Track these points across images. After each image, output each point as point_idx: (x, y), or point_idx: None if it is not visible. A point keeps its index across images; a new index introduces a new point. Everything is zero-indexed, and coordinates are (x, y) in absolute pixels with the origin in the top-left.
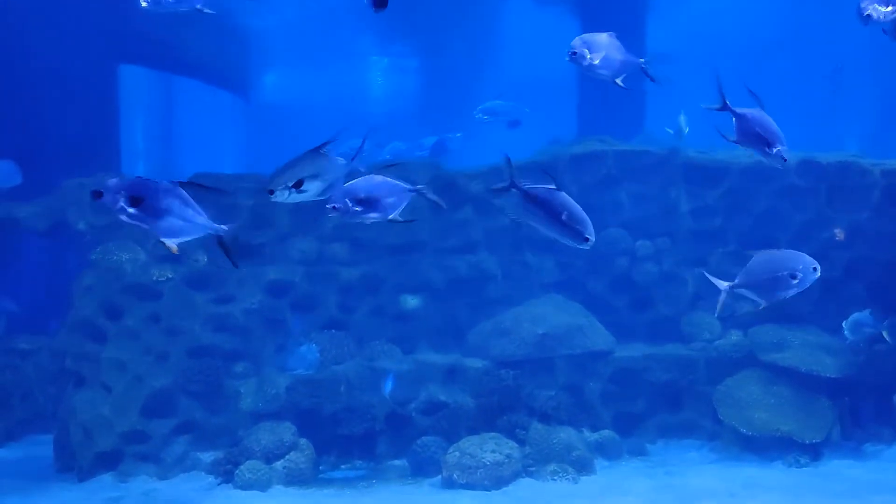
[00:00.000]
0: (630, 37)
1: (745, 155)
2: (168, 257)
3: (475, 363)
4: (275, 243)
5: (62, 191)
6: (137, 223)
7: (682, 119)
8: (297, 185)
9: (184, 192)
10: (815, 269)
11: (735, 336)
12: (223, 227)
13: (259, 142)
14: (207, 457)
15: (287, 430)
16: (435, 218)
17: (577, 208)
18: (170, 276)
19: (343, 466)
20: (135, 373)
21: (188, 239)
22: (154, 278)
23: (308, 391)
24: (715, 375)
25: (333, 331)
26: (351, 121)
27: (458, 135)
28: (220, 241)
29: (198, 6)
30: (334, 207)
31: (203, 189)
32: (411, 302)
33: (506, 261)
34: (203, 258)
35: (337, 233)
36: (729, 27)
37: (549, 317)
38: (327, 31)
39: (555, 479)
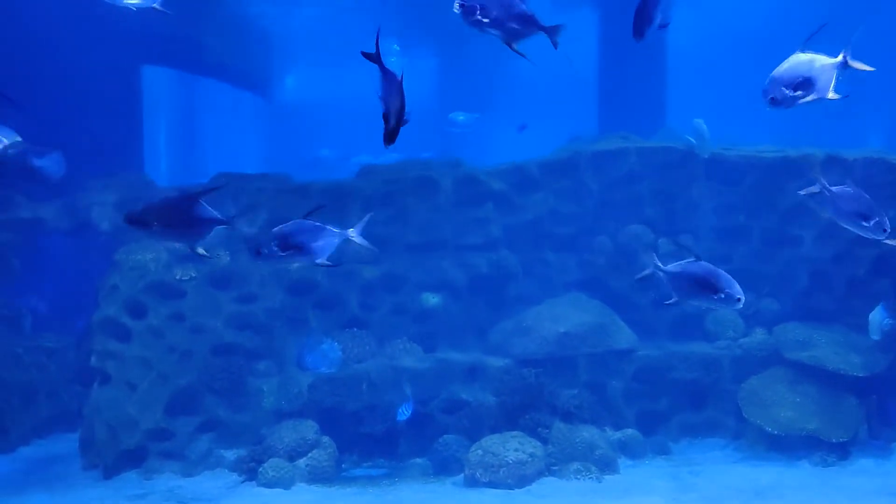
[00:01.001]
0: (652, 35)
1: (770, 150)
2: (191, 256)
3: (497, 362)
4: None
5: (86, 191)
6: None
7: (701, 124)
8: (148, 225)
9: None
10: None
11: (760, 334)
12: None
13: (280, 141)
14: (231, 454)
15: (310, 429)
16: (456, 215)
17: (722, 273)
18: (193, 275)
19: (365, 465)
20: (159, 371)
21: None
22: (177, 277)
23: (330, 389)
24: (740, 374)
25: (355, 329)
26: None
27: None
28: None
29: (154, 5)
30: (259, 252)
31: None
32: (432, 300)
33: (527, 259)
34: (226, 256)
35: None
36: (751, 21)
37: (571, 315)
38: (347, 31)
39: (578, 478)
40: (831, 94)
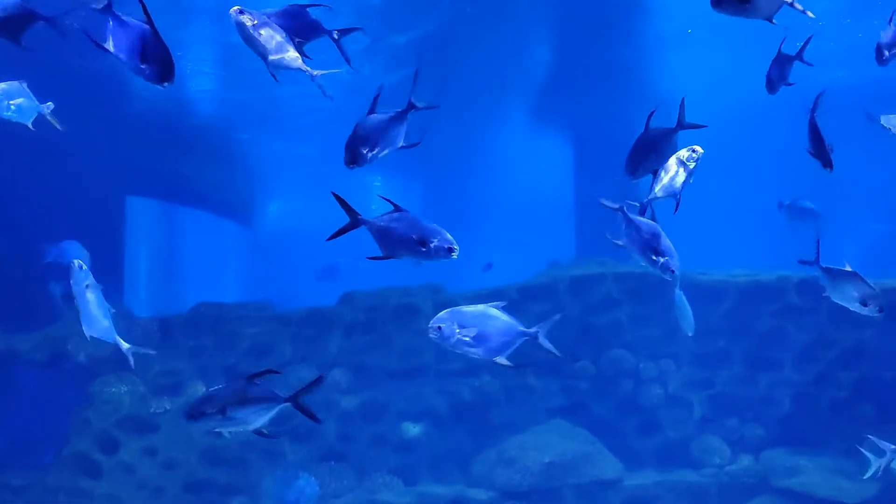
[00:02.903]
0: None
1: (743, 274)
2: (166, 389)
3: (480, 495)
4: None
5: (63, 322)
6: None
7: (681, 297)
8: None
9: None
10: None
11: (746, 461)
12: None
13: (262, 269)
14: None
15: None
16: None
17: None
18: (167, 407)
19: None
20: None
21: None
22: (152, 410)
23: None
24: (728, 502)
25: (333, 462)
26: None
27: None
28: None
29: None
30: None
31: None
32: (413, 430)
33: (510, 385)
34: (202, 388)
35: (338, 359)
36: (729, 150)
37: (556, 444)
38: (329, 158)
39: None
40: (497, 356)
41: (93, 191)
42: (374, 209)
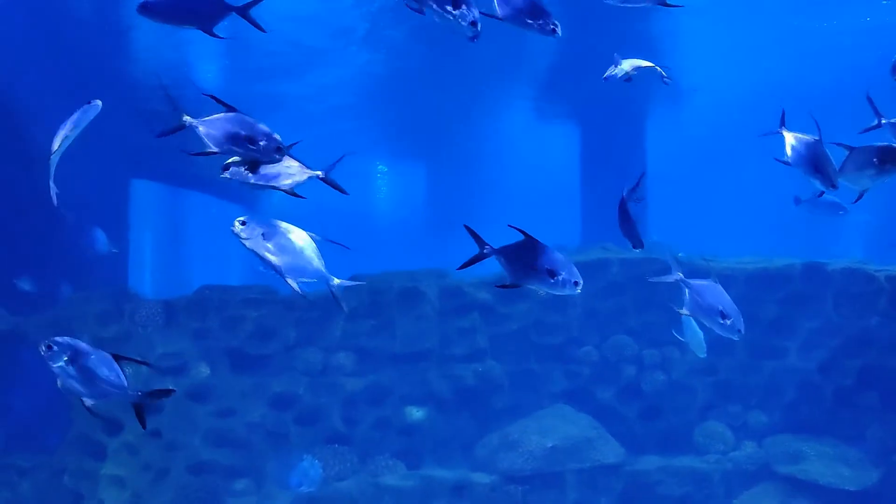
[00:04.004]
0: (631, 147)
1: (751, 261)
2: (170, 370)
3: (483, 478)
4: (280, 354)
5: (69, 303)
6: None
7: (691, 323)
8: None
9: None
10: None
11: (749, 447)
12: None
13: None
14: None
15: None
16: (441, 325)
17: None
18: (171, 388)
19: None
20: (133, 490)
21: None
22: None
23: None
24: (731, 489)
25: (336, 445)
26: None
27: None
28: None
29: None
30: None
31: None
32: (416, 414)
33: (513, 369)
34: (206, 370)
35: (343, 342)
36: (730, 133)
37: (558, 428)
38: (334, 144)
39: None
40: None
41: (98, 174)
42: (379, 194)
